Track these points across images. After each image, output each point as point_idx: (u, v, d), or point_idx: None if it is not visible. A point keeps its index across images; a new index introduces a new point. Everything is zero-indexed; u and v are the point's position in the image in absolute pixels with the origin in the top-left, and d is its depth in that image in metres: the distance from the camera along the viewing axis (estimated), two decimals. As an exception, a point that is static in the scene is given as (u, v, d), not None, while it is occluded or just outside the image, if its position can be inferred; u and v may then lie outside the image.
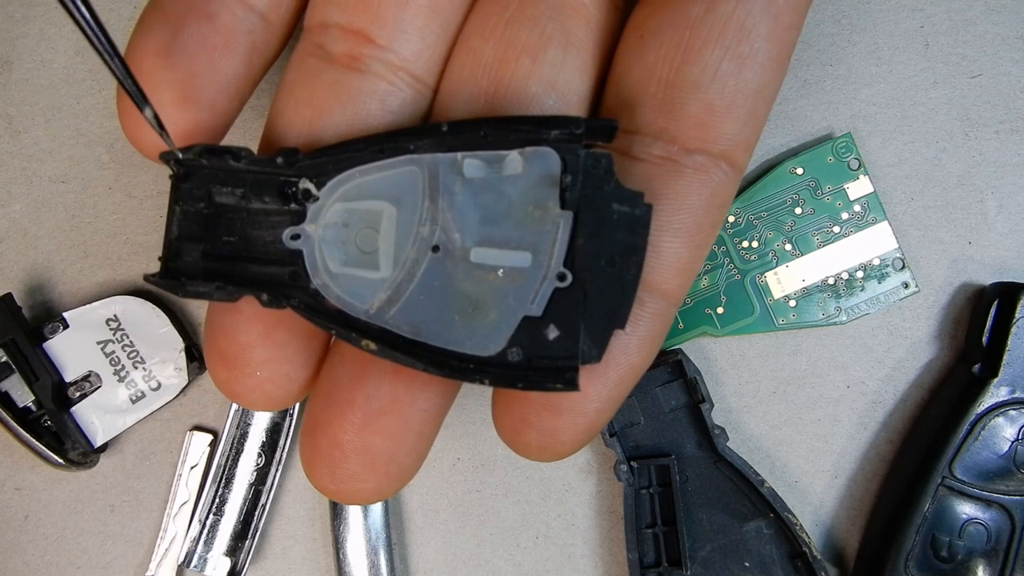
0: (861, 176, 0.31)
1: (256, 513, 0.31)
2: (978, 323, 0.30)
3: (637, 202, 0.19)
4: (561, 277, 0.19)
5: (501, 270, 0.20)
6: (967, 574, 0.29)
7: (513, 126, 0.20)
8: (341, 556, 0.31)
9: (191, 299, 0.20)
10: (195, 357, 0.31)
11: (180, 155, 0.20)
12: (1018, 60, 0.32)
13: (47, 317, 0.31)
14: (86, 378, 0.31)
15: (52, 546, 0.32)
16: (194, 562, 0.31)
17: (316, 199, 0.20)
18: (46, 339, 0.30)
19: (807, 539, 0.30)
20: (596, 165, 0.19)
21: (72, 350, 0.31)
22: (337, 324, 0.20)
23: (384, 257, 0.20)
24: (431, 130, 0.20)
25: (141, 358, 0.31)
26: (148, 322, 0.31)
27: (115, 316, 0.31)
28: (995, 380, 0.29)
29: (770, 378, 0.32)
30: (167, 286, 0.20)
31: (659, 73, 0.21)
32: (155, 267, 0.32)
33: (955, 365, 0.31)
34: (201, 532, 0.31)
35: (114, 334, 0.31)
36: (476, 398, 0.32)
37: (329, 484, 0.21)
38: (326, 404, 0.21)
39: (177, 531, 0.31)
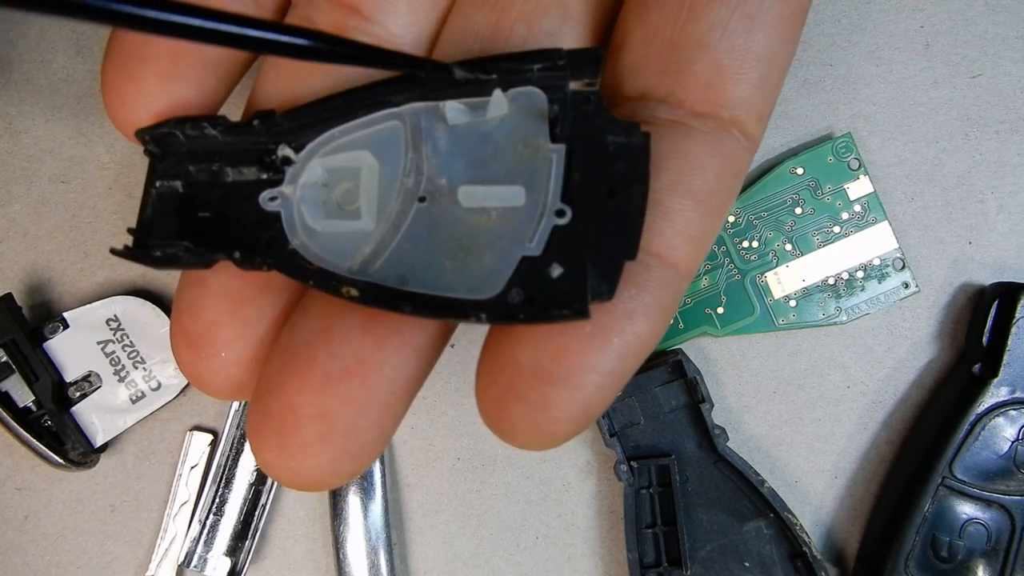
0: (861, 176, 0.31)
1: (256, 513, 0.31)
2: (978, 323, 0.30)
3: (633, 131, 0.18)
4: (560, 213, 0.18)
5: (494, 212, 0.18)
6: (967, 574, 0.29)
7: (494, 66, 0.19)
8: (341, 556, 0.31)
9: (160, 267, 0.18)
10: (195, 357, 0.31)
11: (155, 131, 0.19)
12: (1018, 60, 0.32)
13: (47, 317, 0.31)
14: (86, 378, 0.31)
15: (52, 546, 0.32)
16: (194, 562, 0.31)
17: (295, 163, 0.19)
18: (46, 339, 0.30)
19: (807, 539, 0.30)
20: (585, 101, 0.18)
21: (72, 350, 0.31)
22: (317, 277, 0.18)
23: (367, 212, 0.19)
24: (409, 81, 0.19)
25: (141, 358, 0.31)
26: (148, 322, 0.31)
27: (115, 316, 0.31)
28: (995, 380, 0.29)
29: (770, 378, 0.32)
30: (133, 255, 0.19)
31: (663, 33, 0.20)
32: (155, 267, 0.32)
33: (955, 365, 0.31)
34: (201, 532, 0.31)
35: (114, 334, 0.31)
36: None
37: (277, 457, 0.18)
38: (281, 363, 0.19)
39: (177, 531, 0.31)
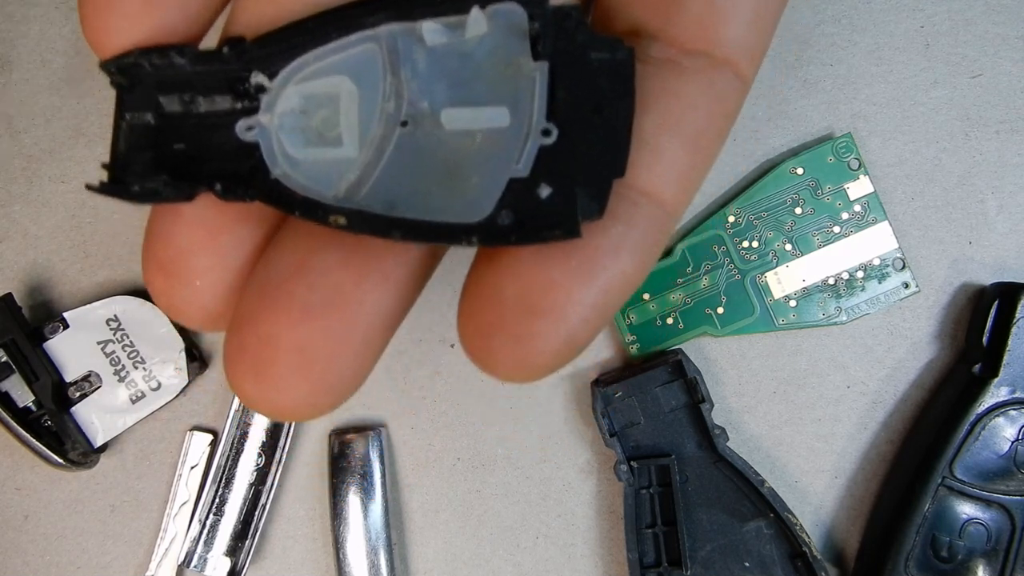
0: (861, 176, 0.31)
1: (256, 513, 0.31)
2: (978, 323, 0.30)
3: (617, 47, 0.18)
4: (546, 133, 0.18)
5: (479, 134, 0.18)
6: (967, 574, 0.29)
7: None
8: (341, 556, 0.31)
9: (140, 202, 0.18)
10: (195, 357, 0.31)
11: (121, 61, 0.18)
12: (1018, 60, 0.32)
13: (47, 317, 0.31)
14: (86, 378, 0.31)
15: (52, 546, 0.32)
16: (194, 562, 0.31)
17: (270, 90, 0.18)
18: (46, 339, 0.30)
19: (807, 539, 0.30)
20: (566, 17, 0.18)
21: (72, 350, 0.31)
22: (303, 206, 0.18)
23: (348, 138, 0.18)
24: (384, 1, 0.18)
25: (141, 358, 0.31)
26: (148, 322, 0.31)
27: (115, 316, 0.31)
28: (995, 380, 0.29)
29: (770, 378, 0.32)
30: (111, 191, 0.18)
31: None
32: (155, 267, 0.32)
33: (955, 365, 0.31)
34: (201, 532, 0.31)
35: (114, 334, 0.31)
36: (476, 397, 0.32)
37: (253, 389, 0.18)
38: (259, 296, 0.18)
39: (177, 531, 0.31)
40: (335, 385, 0.18)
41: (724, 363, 0.32)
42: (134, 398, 0.31)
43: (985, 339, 0.30)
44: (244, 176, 0.18)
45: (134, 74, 0.18)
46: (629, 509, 0.30)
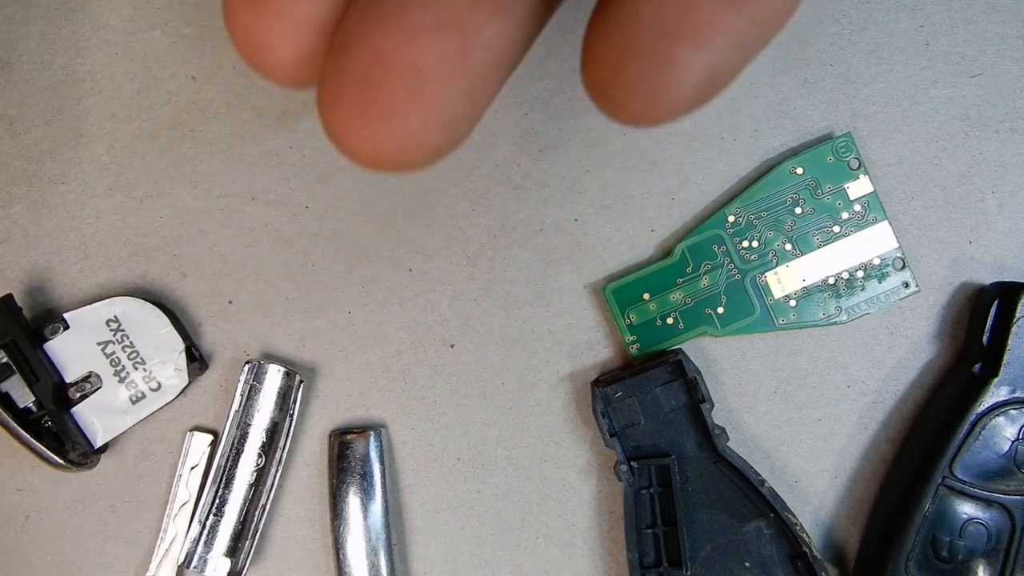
0: (861, 176, 0.31)
1: (256, 514, 0.31)
2: (978, 323, 0.30)
3: None
4: None
5: None
6: (968, 574, 0.29)
7: None
8: (341, 556, 0.31)
9: None
10: (195, 358, 0.31)
11: None
12: (1019, 59, 0.32)
13: (47, 318, 0.31)
14: (86, 379, 0.31)
15: (53, 546, 0.32)
16: (194, 562, 0.31)
17: None
18: (46, 340, 0.30)
19: (807, 539, 0.30)
20: None
21: (72, 351, 0.31)
22: None
23: None
24: None
25: (141, 359, 0.31)
26: (148, 323, 0.31)
27: (115, 317, 0.31)
28: (995, 380, 0.29)
29: (770, 378, 0.32)
30: None
31: None
32: (156, 267, 0.32)
33: (955, 365, 0.31)
34: (201, 532, 0.31)
35: (114, 335, 0.31)
36: (476, 398, 0.32)
37: (357, 123, 0.16)
38: (365, 15, 0.16)
39: (177, 531, 0.31)
40: (447, 120, 0.16)
41: (724, 363, 0.32)
42: (134, 399, 0.31)
43: (985, 339, 0.30)
44: None
45: None
46: (629, 509, 0.30)
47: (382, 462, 0.31)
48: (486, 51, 0.16)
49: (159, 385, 0.31)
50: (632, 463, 0.30)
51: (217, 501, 0.31)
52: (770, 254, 0.31)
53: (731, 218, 0.31)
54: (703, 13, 0.16)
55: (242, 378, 0.31)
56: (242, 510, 0.31)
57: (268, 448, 0.31)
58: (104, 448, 0.31)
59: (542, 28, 0.18)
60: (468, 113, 0.16)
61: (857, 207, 0.31)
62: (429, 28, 0.16)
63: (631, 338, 0.32)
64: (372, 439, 0.31)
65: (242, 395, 0.31)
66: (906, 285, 0.31)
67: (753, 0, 0.16)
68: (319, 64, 0.17)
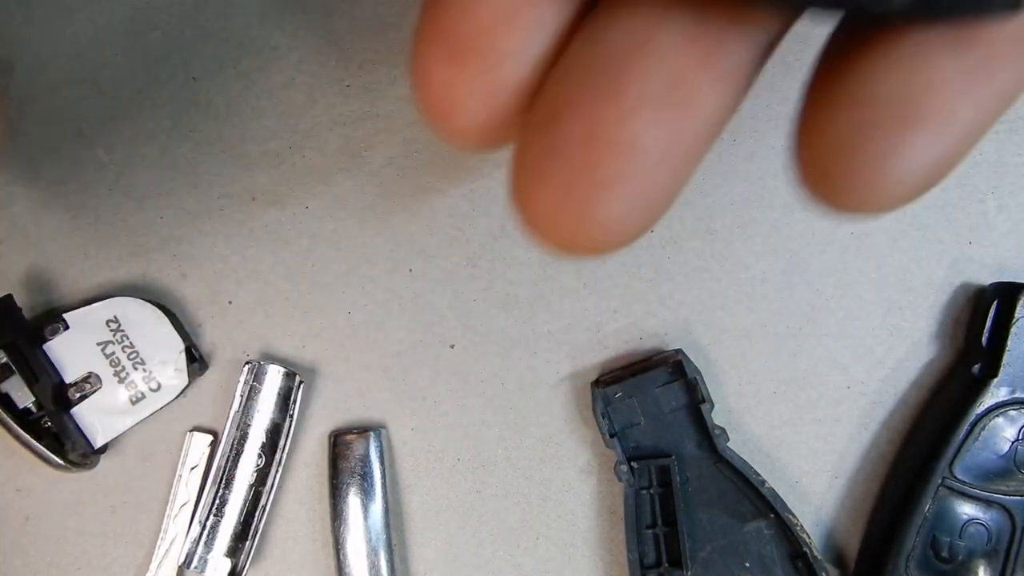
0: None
1: (256, 514, 0.31)
2: (978, 323, 0.30)
3: None
4: None
5: None
6: (968, 574, 0.29)
7: None
8: (341, 557, 0.31)
9: None
10: (195, 358, 0.31)
11: None
12: (1018, 60, 0.32)
13: (47, 318, 0.31)
14: (86, 379, 0.31)
15: (52, 547, 0.32)
16: (194, 563, 0.31)
17: None
18: (46, 340, 0.30)
19: (808, 539, 0.30)
20: None
21: (72, 351, 0.31)
22: None
23: None
24: None
25: (141, 359, 0.31)
26: (148, 323, 0.31)
27: (115, 317, 0.31)
28: (995, 380, 0.29)
29: (770, 378, 0.32)
30: None
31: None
32: (156, 267, 0.32)
33: (955, 365, 0.31)
34: (201, 533, 0.31)
35: (114, 335, 0.31)
36: (476, 398, 0.32)
37: (560, 202, 0.14)
38: (580, 81, 0.14)
39: (177, 532, 0.31)
40: (652, 201, 0.14)
41: (724, 363, 0.32)
42: (134, 399, 0.31)
43: (984, 339, 0.30)
44: None
45: None
46: (629, 509, 0.30)
47: (382, 462, 0.31)
48: (706, 124, 0.15)
49: (159, 385, 0.31)
50: (632, 463, 0.30)
51: (217, 502, 0.31)
52: (770, 254, 0.31)
53: (731, 218, 0.31)
54: (951, 91, 0.14)
55: (242, 378, 0.31)
56: (242, 510, 0.31)
57: (268, 448, 0.31)
58: (104, 448, 0.31)
59: (751, 88, 0.16)
60: (675, 193, 0.15)
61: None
62: (653, 101, 0.14)
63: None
64: (372, 439, 0.31)
65: (242, 395, 0.31)
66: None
67: (1004, 70, 0.14)
68: (510, 130, 0.15)
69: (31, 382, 0.30)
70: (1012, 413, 0.29)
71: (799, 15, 0.15)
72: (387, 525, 0.31)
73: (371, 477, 0.31)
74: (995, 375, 0.29)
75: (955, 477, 0.29)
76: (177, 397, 0.31)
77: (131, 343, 0.31)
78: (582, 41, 0.15)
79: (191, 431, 0.32)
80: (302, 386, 0.31)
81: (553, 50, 0.15)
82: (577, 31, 0.15)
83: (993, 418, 0.29)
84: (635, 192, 0.14)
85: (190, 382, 0.31)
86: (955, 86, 0.14)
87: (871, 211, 0.15)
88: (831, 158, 0.14)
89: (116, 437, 0.31)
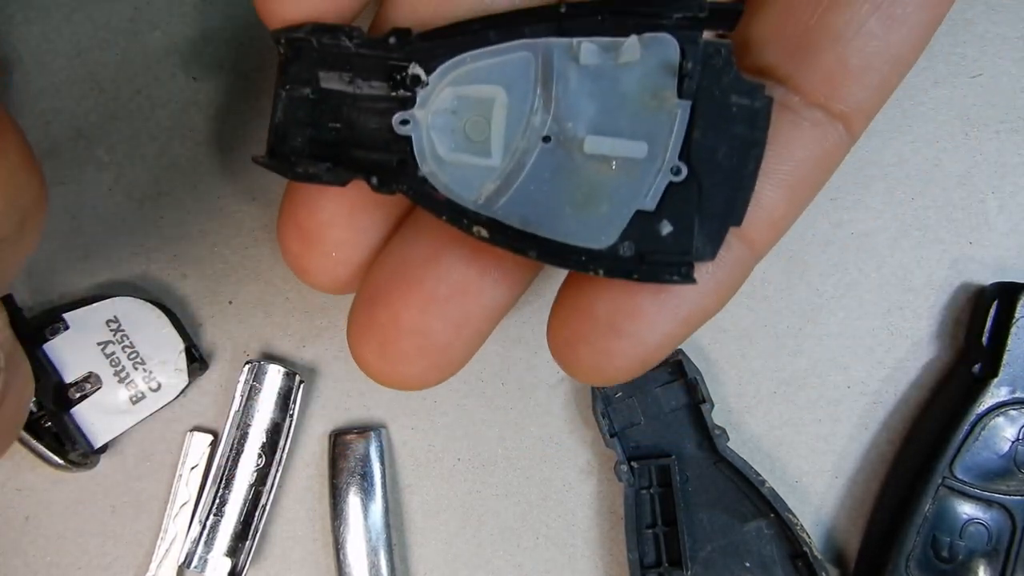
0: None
1: (256, 514, 0.31)
2: (978, 323, 0.30)
3: (757, 95, 0.19)
4: (676, 171, 0.19)
5: (615, 161, 0.19)
6: (968, 574, 0.29)
7: (633, 8, 0.19)
8: (341, 556, 0.31)
9: (300, 182, 0.19)
10: (195, 358, 0.31)
11: (291, 34, 0.19)
12: (1018, 60, 0.32)
13: (47, 318, 0.31)
14: (86, 379, 0.31)
15: (52, 547, 0.32)
16: (194, 563, 0.31)
17: (425, 84, 0.19)
18: (46, 340, 0.30)
19: (808, 539, 0.30)
20: (715, 54, 0.19)
21: (72, 351, 0.31)
22: (447, 211, 0.19)
23: (494, 146, 0.19)
24: (548, 13, 0.19)
25: (141, 359, 0.31)
26: (148, 323, 0.31)
27: (115, 317, 0.31)
28: (995, 380, 0.29)
29: (770, 378, 0.32)
30: (276, 167, 0.19)
31: (799, 17, 0.20)
32: (156, 267, 0.32)
33: (955, 365, 0.31)
34: (201, 533, 0.31)
35: (114, 335, 0.31)
36: (476, 398, 0.32)
37: (376, 361, 0.21)
38: (390, 279, 0.21)
39: (177, 532, 0.31)
40: (446, 365, 0.21)
41: (724, 363, 0.32)
42: (134, 399, 0.31)
43: (985, 339, 0.30)
44: (393, 168, 0.19)
45: (299, 48, 0.19)
46: (629, 509, 0.30)
47: (382, 462, 0.31)
48: (485, 310, 0.21)
49: (159, 385, 0.31)
50: (632, 463, 0.30)
51: (217, 501, 0.31)
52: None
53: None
54: (644, 317, 0.20)
55: (242, 378, 0.31)
56: (242, 510, 0.31)
57: (268, 448, 0.31)
58: (104, 448, 0.31)
59: (531, 282, 0.22)
60: (463, 357, 0.21)
61: (857, 207, 0.31)
62: (441, 298, 0.20)
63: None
64: (372, 439, 0.31)
65: (242, 395, 0.31)
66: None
67: (687, 304, 0.20)
68: (348, 286, 0.22)
69: (31, 382, 0.30)
70: (1012, 413, 0.29)
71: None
72: (387, 525, 0.31)
73: (371, 477, 0.31)
74: (995, 375, 0.29)
75: (955, 477, 0.29)
76: (177, 397, 0.31)
77: (131, 343, 0.31)
78: (398, 241, 0.21)
79: (191, 431, 0.32)
80: (302, 386, 0.31)
81: (374, 244, 0.21)
82: (396, 231, 0.21)
83: (993, 418, 0.29)
84: (426, 359, 0.20)
85: (190, 382, 0.31)
86: (649, 313, 0.20)
87: (594, 383, 0.23)
88: (565, 351, 0.21)
89: (116, 437, 0.31)
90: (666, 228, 0.19)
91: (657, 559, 0.30)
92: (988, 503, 0.29)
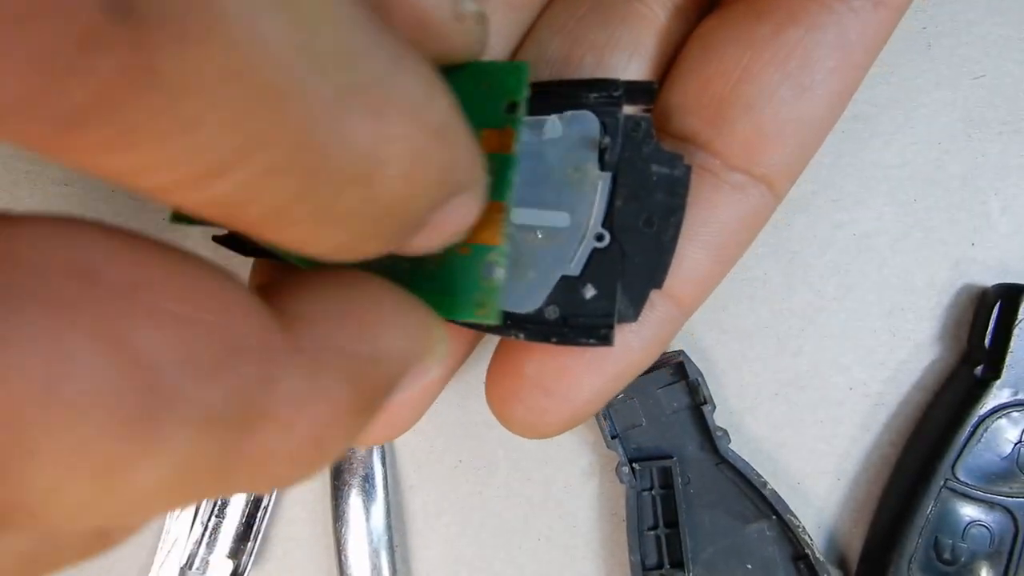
0: (863, 177, 0.31)
1: (258, 515, 0.31)
2: (980, 325, 0.30)
3: (676, 163, 0.19)
4: (599, 237, 0.19)
5: (539, 231, 0.20)
6: (970, 576, 0.29)
7: (556, 90, 0.20)
8: (343, 558, 0.31)
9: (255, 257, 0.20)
10: (197, 359, 0.31)
11: None
12: (1021, 61, 0.32)
13: (50, 319, 0.32)
14: (89, 380, 0.31)
15: (55, 548, 0.32)
16: (196, 564, 0.31)
17: None
18: (49, 341, 0.30)
19: (810, 541, 0.30)
20: (636, 128, 0.20)
21: (75, 352, 0.31)
22: None
23: None
24: None
25: (143, 360, 0.31)
26: (150, 324, 0.31)
27: (117, 318, 0.31)
28: (997, 382, 0.29)
29: (772, 380, 0.32)
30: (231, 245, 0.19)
31: (714, 87, 0.21)
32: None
33: (958, 367, 0.31)
34: (203, 534, 0.31)
35: (116, 336, 0.31)
36: (477, 399, 0.32)
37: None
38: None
39: (179, 533, 0.31)
40: (397, 426, 0.22)
41: (726, 365, 0.32)
42: (136, 400, 0.31)
43: (987, 341, 0.30)
44: None
45: None
46: (631, 511, 0.30)
47: (384, 464, 0.31)
48: (433, 387, 0.22)
49: (161, 387, 0.31)
50: (634, 465, 0.30)
51: (219, 503, 0.31)
52: (772, 256, 0.31)
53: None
54: (571, 377, 0.20)
55: (244, 380, 0.31)
56: (244, 512, 0.31)
57: (270, 450, 0.31)
58: (106, 449, 0.31)
59: (467, 356, 0.24)
60: (411, 420, 0.22)
61: (859, 209, 0.31)
62: None
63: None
64: (374, 441, 0.31)
65: (244, 397, 0.31)
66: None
67: (614, 362, 0.20)
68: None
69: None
70: (1015, 415, 0.29)
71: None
72: (389, 526, 0.31)
73: (372, 478, 0.31)
74: (998, 377, 0.29)
75: (957, 479, 0.29)
76: (179, 398, 0.31)
77: (133, 344, 0.31)
78: None
79: (193, 432, 0.32)
80: (304, 387, 0.31)
81: None
82: None
83: (996, 420, 0.29)
84: (385, 422, 0.21)
85: (192, 383, 0.31)
86: (576, 372, 0.20)
87: (530, 438, 0.24)
88: (500, 406, 0.22)
89: (118, 438, 0.31)
90: (590, 292, 0.20)
91: (659, 561, 0.30)
92: (990, 505, 0.29)
